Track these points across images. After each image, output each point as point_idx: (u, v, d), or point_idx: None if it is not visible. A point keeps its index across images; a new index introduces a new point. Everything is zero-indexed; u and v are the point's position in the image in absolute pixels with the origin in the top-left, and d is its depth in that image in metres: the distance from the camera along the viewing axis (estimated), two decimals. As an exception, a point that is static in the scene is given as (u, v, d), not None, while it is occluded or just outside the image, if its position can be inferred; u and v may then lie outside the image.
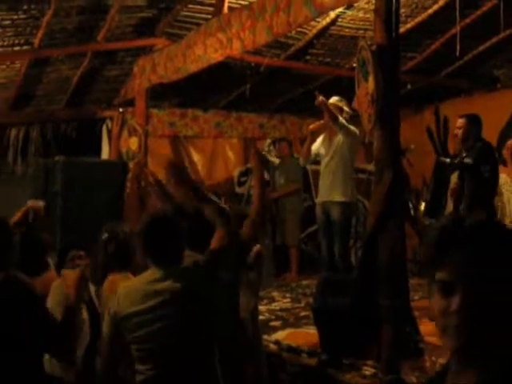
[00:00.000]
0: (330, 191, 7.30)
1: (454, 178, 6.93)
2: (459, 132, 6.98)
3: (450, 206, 6.94)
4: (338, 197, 7.20)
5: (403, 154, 8.57)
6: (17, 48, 8.60)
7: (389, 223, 4.87)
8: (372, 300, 5.00)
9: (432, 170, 7.43)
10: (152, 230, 3.77)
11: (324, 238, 7.39)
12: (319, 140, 7.58)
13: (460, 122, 7.03)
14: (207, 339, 3.72)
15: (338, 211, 7.19)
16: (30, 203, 5.50)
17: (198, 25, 8.46)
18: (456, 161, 6.93)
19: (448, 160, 7.11)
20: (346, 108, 7.27)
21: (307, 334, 5.99)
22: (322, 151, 7.49)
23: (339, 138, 7.18)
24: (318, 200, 7.53)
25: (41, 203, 5.49)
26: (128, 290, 3.76)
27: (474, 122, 6.99)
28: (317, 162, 7.98)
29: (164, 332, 3.59)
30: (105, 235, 4.81)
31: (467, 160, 6.78)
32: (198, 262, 3.88)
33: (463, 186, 6.79)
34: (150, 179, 9.02)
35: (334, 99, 7.41)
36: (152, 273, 3.71)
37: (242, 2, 8.00)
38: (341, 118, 7.18)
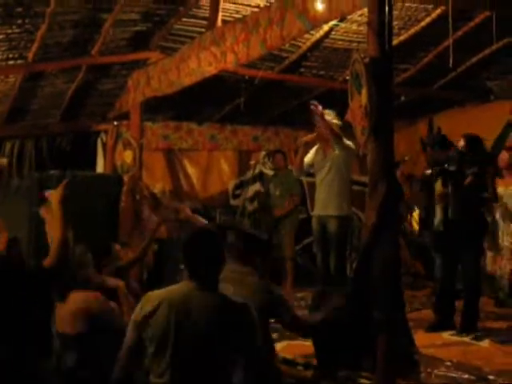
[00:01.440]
0: (325, 205, 7.26)
1: (438, 185, 6.98)
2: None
3: (438, 213, 6.97)
4: (333, 211, 7.16)
5: (397, 165, 8.61)
6: (11, 62, 8.61)
7: (383, 236, 4.87)
8: (367, 312, 5.00)
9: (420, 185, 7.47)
10: (191, 244, 3.86)
11: (320, 251, 7.35)
12: (312, 151, 7.55)
13: (461, 142, 7.04)
14: (224, 357, 3.72)
15: (335, 225, 7.14)
16: None
17: (192, 38, 8.49)
18: (438, 168, 6.97)
19: (429, 171, 7.14)
20: (334, 121, 7.20)
21: (303, 346, 5.97)
22: (316, 164, 7.46)
23: (335, 151, 7.14)
24: (314, 213, 7.47)
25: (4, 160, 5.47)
26: (152, 297, 3.78)
27: (473, 144, 7.02)
28: (311, 174, 7.95)
29: (179, 343, 3.62)
30: None
31: (451, 168, 6.83)
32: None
33: (448, 199, 6.84)
34: (144, 192, 9.03)
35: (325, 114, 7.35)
36: (184, 284, 3.80)
37: (236, 16, 8.03)
38: (345, 140, 7.13)
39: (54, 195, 4.09)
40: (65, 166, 9.08)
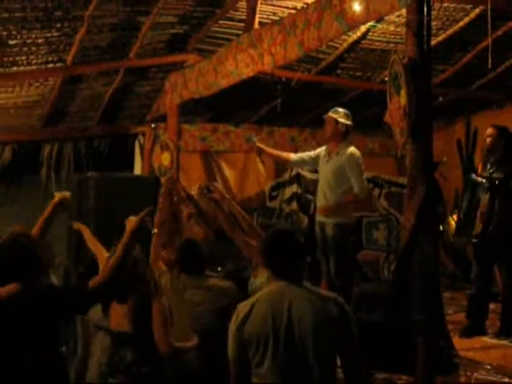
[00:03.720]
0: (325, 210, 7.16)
1: (485, 199, 6.78)
2: (488, 140, 6.92)
3: (478, 227, 6.83)
4: (331, 218, 7.03)
5: (436, 167, 8.52)
6: (50, 65, 8.70)
7: (422, 237, 4.84)
8: (406, 314, 4.97)
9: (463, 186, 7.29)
10: (271, 244, 3.92)
11: (323, 255, 7.24)
12: (315, 152, 7.46)
13: (490, 130, 6.96)
14: (327, 351, 3.76)
15: (333, 232, 6.97)
16: (57, 195, 5.51)
17: (229, 40, 8.52)
18: (485, 175, 6.82)
19: (480, 179, 6.96)
20: (341, 120, 7.04)
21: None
22: (319, 167, 7.31)
23: (341, 158, 6.98)
24: (316, 218, 7.35)
25: (67, 193, 5.51)
26: (245, 303, 3.87)
27: (503, 134, 6.92)
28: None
29: (280, 340, 3.67)
30: None
31: (496, 175, 6.70)
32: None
33: (493, 208, 6.68)
34: (182, 194, 9.05)
35: (330, 111, 7.21)
36: (272, 284, 3.86)
37: (273, 18, 8.04)
38: (347, 146, 7.04)
39: (131, 221, 4.18)
40: (103, 168, 9.16)
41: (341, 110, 7.07)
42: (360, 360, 3.89)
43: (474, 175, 7.10)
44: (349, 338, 3.80)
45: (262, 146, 7.69)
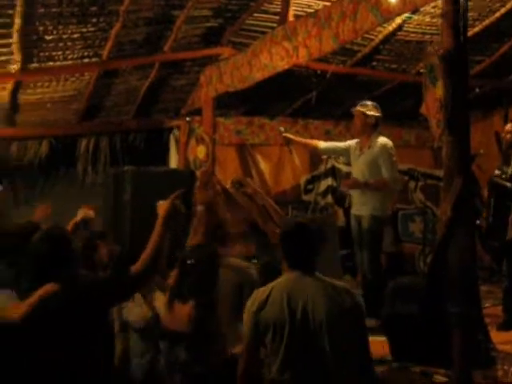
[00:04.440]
0: (360, 204, 7.14)
1: None
2: (508, 137, 6.80)
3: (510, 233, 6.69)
4: (367, 210, 7.01)
5: (473, 159, 8.42)
6: (86, 60, 8.77)
7: (459, 230, 4.80)
8: (442, 307, 4.94)
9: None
10: (286, 236, 4.15)
11: (358, 248, 7.23)
12: (345, 144, 7.46)
13: (509, 126, 6.85)
14: (341, 339, 3.85)
15: (368, 225, 6.97)
16: (81, 213, 5.56)
17: (264, 33, 8.51)
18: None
19: (509, 185, 6.74)
20: (370, 112, 7.02)
21: (376, 342, 5.93)
22: (352, 160, 7.29)
23: (373, 150, 6.97)
24: (352, 211, 7.36)
25: (91, 212, 5.55)
26: (261, 290, 4.02)
27: None
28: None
29: (290, 330, 3.80)
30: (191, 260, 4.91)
31: None
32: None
33: None
34: (217, 188, 9.07)
35: (358, 106, 7.17)
36: (287, 274, 4.03)
37: (308, 10, 8.02)
38: (379, 136, 7.01)
39: (161, 206, 4.24)
40: (138, 162, 9.20)
41: (368, 102, 7.07)
42: (370, 353, 3.96)
43: (497, 179, 6.91)
44: (360, 328, 3.90)
45: (289, 135, 7.77)
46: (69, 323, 3.78)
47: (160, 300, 5.23)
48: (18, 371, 3.75)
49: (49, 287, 3.82)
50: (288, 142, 7.77)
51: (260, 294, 3.97)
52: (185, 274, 4.88)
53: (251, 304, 3.95)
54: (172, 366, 4.80)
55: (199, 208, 6.25)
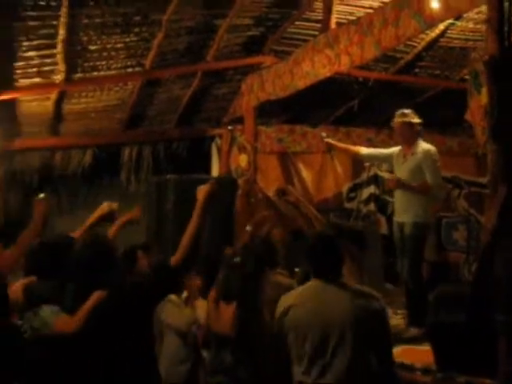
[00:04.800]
0: (403, 210, 7.07)
1: None
2: None
3: None
4: (410, 217, 6.94)
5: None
6: (129, 70, 8.84)
7: (504, 238, 4.74)
8: (488, 315, 4.88)
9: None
10: (312, 247, 4.30)
11: (401, 256, 7.17)
12: (387, 150, 7.40)
13: None
14: (365, 344, 3.98)
15: (410, 231, 6.90)
16: (105, 205, 5.58)
17: (306, 41, 8.51)
18: None
19: None
20: (414, 120, 6.95)
21: (421, 351, 5.87)
22: (395, 167, 7.23)
23: (417, 156, 6.90)
24: (394, 218, 7.30)
25: (114, 205, 5.57)
26: (284, 298, 4.20)
27: None
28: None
29: (314, 336, 3.94)
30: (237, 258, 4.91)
31: None
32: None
33: None
34: (259, 196, 9.08)
35: (398, 117, 7.07)
36: (312, 282, 4.18)
37: (350, 18, 8.00)
38: (423, 142, 6.94)
39: (201, 191, 4.33)
40: (181, 170, 9.24)
41: (406, 110, 7.01)
42: (393, 357, 4.02)
43: None
44: (382, 333, 3.97)
45: (330, 141, 7.76)
46: (119, 327, 3.83)
47: (202, 307, 5.24)
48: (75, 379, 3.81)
49: (98, 295, 3.86)
50: (330, 147, 7.77)
51: (286, 299, 4.18)
52: (230, 274, 4.90)
53: (278, 308, 4.14)
54: (216, 370, 4.80)
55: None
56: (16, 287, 4.77)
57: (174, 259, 4.06)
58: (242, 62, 9.47)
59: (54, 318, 4.17)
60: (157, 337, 5.46)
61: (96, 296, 3.93)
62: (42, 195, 5.73)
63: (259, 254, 5.14)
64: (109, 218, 5.48)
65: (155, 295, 4.18)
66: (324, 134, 7.87)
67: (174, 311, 5.32)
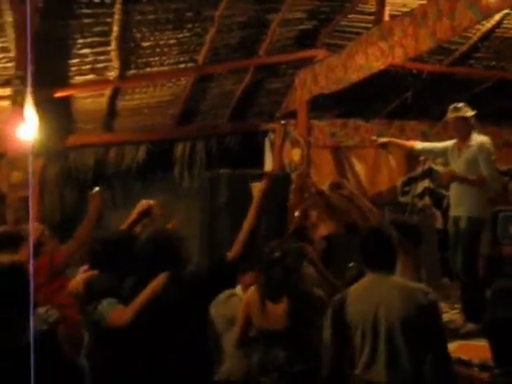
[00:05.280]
0: (457, 204, 6.97)
1: None
2: None
3: None
4: (464, 211, 6.85)
5: None
6: (182, 66, 8.88)
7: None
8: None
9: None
10: (364, 241, 4.32)
11: (455, 251, 7.07)
12: (442, 144, 7.30)
13: None
14: (418, 339, 4.01)
15: (465, 226, 6.82)
16: (143, 203, 5.60)
17: (358, 34, 8.43)
18: None
19: None
20: (468, 114, 6.84)
21: (477, 347, 5.79)
22: (451, 161, 7.13)
23: (472, 149, 6.79)
24: (450, 213, 7.21)
25: (151, 201, 5.58)
26: (346, 294, 4.21)
27: None
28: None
29: (367, 332, 3.98)
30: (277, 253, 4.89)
31: None
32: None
33: None
34: (313, 190, 9.04)
35: (451, 112, 6.95)
36: (367, 276, 4.20)
37: (403, 9, 7.90)
38: (478, 135, 6.84)
39: (256, 188, 4.36)
40: (234, 165, 9.24)
41: (459, 104, 6.90)
42: (447, 351, 4.00)
43: None
44: (435, 328, 3.96)
45: (382, 139, 7.68)
46: (174, 320, 3.86)
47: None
48: (133, 369, 3.85)
49: (153, 287, 3.89)
50: (384, 146, 7.70)
51: (340, 296, 4.18)
52: (272, 270, 4.88)
53: (332, 304, 4.17)
54: (269, 367, 4.79)
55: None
56: (76, 281, 4.84)
57: (230, 255, 4.06)
58: (294, 56, 9.44)
59: (110, 311, 4.20)
60: (221, 332, 5.48)
61: (150, 289, 3.96)
62: (96, 189, 5.81)
63: (299, 246, 5.14)
64: (148, 214, 5.50)
65: (211, 290, 4.20)
66: (374, 138, 7.81)
67: (239, 306, 5.31)
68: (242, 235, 4.13)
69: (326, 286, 5.29)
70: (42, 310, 4.19)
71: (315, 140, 10.17)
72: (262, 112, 10.62)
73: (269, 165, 10.45)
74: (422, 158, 9.40)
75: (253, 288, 5.05)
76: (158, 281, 3.97)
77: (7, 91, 8.03)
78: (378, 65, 7.56)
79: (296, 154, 9.67)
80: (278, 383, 4.71)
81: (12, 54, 7.57)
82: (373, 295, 4.06)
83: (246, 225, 4.16)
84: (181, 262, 4.19)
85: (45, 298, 4.76)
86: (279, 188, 8.54)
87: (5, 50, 7.62)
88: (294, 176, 9.39)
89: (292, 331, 4.74)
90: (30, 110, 6.35)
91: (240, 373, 5.21)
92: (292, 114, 10.10)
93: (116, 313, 4.13)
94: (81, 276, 4.91)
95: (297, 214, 7.48)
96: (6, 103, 8.14)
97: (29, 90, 6.51)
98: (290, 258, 4.90)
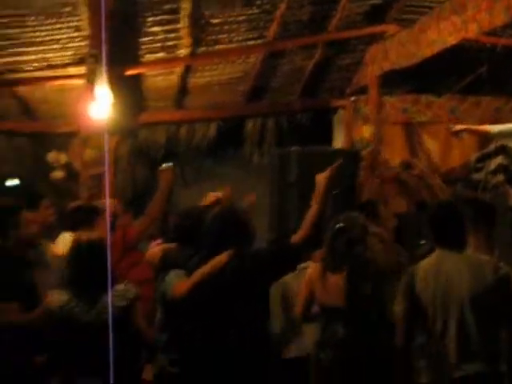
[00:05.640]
0: None
1: None
2: None
3: None
4: None
5: None
6: (251, 42, 8.86)
7: None
8: None
9: None
10: (433, 216, 4.31)
11: None
12: None
13: None
14: (491, 314, 4.02)
15: None
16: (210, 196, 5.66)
17: (430, 9, 8.29)
18: None
19: None
20: None
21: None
22: None
23: None
24: None
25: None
26: (413, 268, 4.23)
27: None
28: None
29: (436, 307, 3.99)
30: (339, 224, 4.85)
31: None
32: None
33: None
34: (383, 167, 8.95)
35: None
36: (437, 252, 4.18)
37: (477, -17, 7.74)
38: None
39: (321, 177, 4.36)
40: (304, 142, 9.20)
41: None
42: None
43: None
44: (508, 302, 3.91)
45: (458, 127, 7.56)
46: (238, 295, 3.89)
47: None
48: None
49: (214, 262, 3.93)
50: (457, 134, 7.60)
51: (411, 270, 4.17)
52: (335, 241, 4.82)
53: (403, 279, 4.18)
54: (327, 343, 4.77)
55: None
56: (155, 251, 4.94)
57: (296, 238, 4.06)
58: (364, 32, 9.34)
59: (175, 282, 4.26)
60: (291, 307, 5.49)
61: (211, 264, 3.99)
62: (167, 165, 5.88)
63: (362, 218, 5.07)
64: (217, 204, 5.57)
65: (274, 272, 4.20)
66: (452, 126, 7.70)
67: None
68: (307, 220, 4.14)
69: (392, 262, 5.26)
70: (120, 286, 4.29)
71: (386, 116, 10.05)
72: (332, 88, 10.54)
73: (339, 142, 10.39)
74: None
75: (316, 263, 5.01)
76: (221, 258, 4.01)
77: (80, 70, 8.15)
78: (450, 39, 7.43)
79: (367, 131, 9.59)
80: (336, 360, 4.68)
81: (85, 33, 7.67)
82: (442, 271, 4.05)
83: (312, 210, 4.17)
84: (247, 239, 4.21)
85: (119, 274, 4.85)
86: (348, 165, 8.47)
87: (78, 28, 7.73)
88: (364, 153, 9.30)
89: (352, 306, 4.71)
90: (103, 88, 6.44)
91: (304, 349, 5.22)
92: (363, 90, 10.00)
93: (178, 284, 4.19)
94: (159, 247, 5.01)
95: (367, 191, 7.42)
96: (78, 82, 8.27)
97: (103, 68, 6.60)
98: (354, 230, 4.86)
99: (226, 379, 4.08)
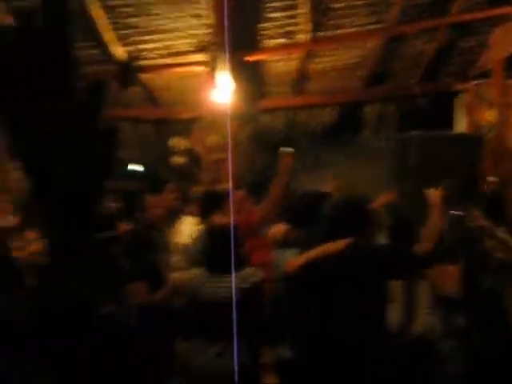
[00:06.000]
0: None
1: None
2: None
3: None
4: None
5: None
6: (371, 27, 8.79)
7: None
8: None
9: None
10: None
11: None
12: None
13: None
14: None
15: None
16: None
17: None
18: None
19: None
20: None
21: None
22: None
23: None
24: None
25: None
26: None
27: None
28: None
29: None
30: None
31: None
32: None
33: None
34: (507, 153, 8.71)
35: None
36: None
37: None
38: None
39: (433, 194, 4.26)
40: (424, 126, 9.06)
41: None
42: None
43: None
44: None
45: None
46: (348, 286, 3.88)
47: None
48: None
49: (332, 246, 3.93)
50: None
51: None
52: (453, 231, 4.76)
53: None
54: (446, 333, 4.71)
55: None
56: (278, 229, 5.02)
57: (420, 249, 3.96)
58: (488, 14, 9.10)
59: (289, 259, 4.32)
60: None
61: (325, 247, 3.99)
62: (286, 149, 5.92)
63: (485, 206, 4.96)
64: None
65: (389, 272, 4.11)
66: None
67: None
68: (428, 235, 4.02)
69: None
70: (250, 270, 4.39)
71: (511, 100, 9.77)
72: (454, 72, 10.33)
73: (460, 126, 10.17)
74: None
75: None
76: (337, 245, 3.98)
77: (202, 57, 8.28)
78: None
79: (491, 115, 9.34)
80: (455, 351, 4.62)
81: (206, 21, 7.79)
82: None
83: (430, 228, 4.04)
84: (367, 228, 4.18)
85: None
86: (470, 150, 8.30)
87: (198, 16, 7.85)
88: (487, 138, 9.07)
89: (471, 297, 4.63)
90: (225, 75, 6.53)
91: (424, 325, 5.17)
92: (486, 74, 9.75)
93: (290, 261, 4.23)
94: (280, 227, 5.08)
95: (491, 179, 7.23)
96: (200, 69, 8.41)
97: (226, 55, 6.70)
98: (473, 219, 4.78)
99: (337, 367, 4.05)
